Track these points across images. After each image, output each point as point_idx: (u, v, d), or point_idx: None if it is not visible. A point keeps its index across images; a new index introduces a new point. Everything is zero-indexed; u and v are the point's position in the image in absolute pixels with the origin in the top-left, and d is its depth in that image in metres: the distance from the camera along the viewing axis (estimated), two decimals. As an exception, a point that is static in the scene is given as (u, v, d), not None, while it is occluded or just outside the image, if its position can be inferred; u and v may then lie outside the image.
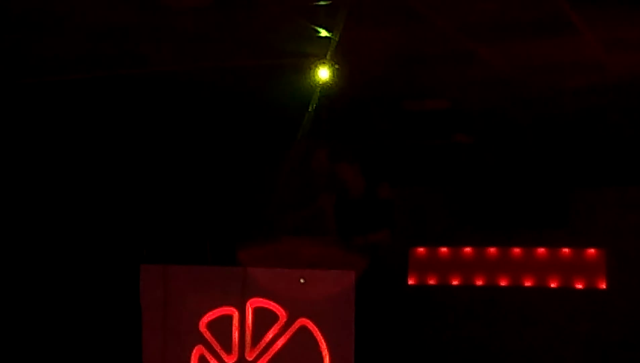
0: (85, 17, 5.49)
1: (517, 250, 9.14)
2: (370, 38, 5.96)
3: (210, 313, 6.12)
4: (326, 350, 5.77)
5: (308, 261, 6.34)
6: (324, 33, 5.49)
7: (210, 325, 6.12)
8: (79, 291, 8.99)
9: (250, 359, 5.93)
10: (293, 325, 5.84)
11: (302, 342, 5.86)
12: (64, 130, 8.96)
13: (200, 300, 6.29)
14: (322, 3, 5.05)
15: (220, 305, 6.11)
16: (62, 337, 8.89)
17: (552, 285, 8.99)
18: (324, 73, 6.08)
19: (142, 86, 7.81)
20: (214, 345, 6.02)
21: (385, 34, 5.85)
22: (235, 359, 5.96)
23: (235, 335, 5.93)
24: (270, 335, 5.87)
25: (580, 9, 5.18)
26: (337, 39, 5.55)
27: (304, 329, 5.81)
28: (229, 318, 6.01)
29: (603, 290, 8.80)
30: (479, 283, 9.20)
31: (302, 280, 5.82)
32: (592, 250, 8.88)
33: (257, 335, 5.90)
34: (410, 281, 9.43)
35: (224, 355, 5.99)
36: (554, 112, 8.42)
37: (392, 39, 5.98)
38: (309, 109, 7.03)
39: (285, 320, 5.86)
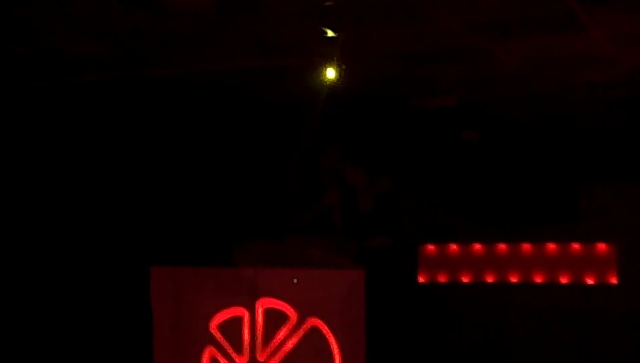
0: (95, 19, 5.49)
1: (527, 246, 9.10)
2: (377, 37, 5.94)
3: (221, 314, 6.13)
4: (337, 349, 5.77)
5: (314, 261, 6.34)
6: (330, 33, 5.48)
7: (221, 326, 6.13)
8: (89, 294, 9.00)
9: (261, 360, 5.95)
10: (304, 325, 5.84)
11: (313, 342, 5.86)
12: (73, 133, 8.98)
13: (210, 301, 6.30)
14: (328, 3, 5.04)
15: (231, 306, 6.12)
16: (73, 339, 8.91)
17: (563, 281, 8.95)
18: (331, 73, 6.07)
19: (148, 88, 7.82)
20: (224, 346, 6.03)
21: (391, 32, 5.84)
22: (246, 360, 5.97)
23: (246, 335, 5.94)
24: (281, 335, 5.88)
25: (587, 5, 5.16)
26: (343, 38, 5.55)
27: (314, 329, 5.82)
28: (240, 319, 6.01)
29: (614, 286, 8.76)
30: (490, 280, 9.17)
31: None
32: (602, 245, 8.83)
33: (268, 336, 5.91)
34: (421, 279, 9.40)
35: (234, 356, 6.00)
36: (562, 108, 8.40)
37: (398, 38, 5.97)
38: (316, 109, 7.02)
39: (295, 320, 5.86)
